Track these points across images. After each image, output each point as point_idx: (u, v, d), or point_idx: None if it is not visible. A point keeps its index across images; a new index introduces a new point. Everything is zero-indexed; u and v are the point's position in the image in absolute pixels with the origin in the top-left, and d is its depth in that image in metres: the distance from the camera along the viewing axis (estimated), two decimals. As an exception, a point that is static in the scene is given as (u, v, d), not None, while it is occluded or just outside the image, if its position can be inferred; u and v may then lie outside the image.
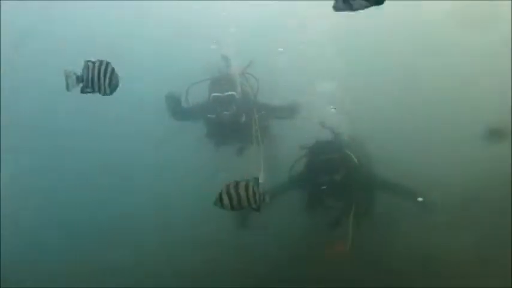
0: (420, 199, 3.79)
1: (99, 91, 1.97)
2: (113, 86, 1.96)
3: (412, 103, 6.05)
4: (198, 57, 5.07)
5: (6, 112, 6.15)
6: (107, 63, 1.95)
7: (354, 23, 6.88)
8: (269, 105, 4.36)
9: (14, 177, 5.52)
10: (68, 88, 1.98)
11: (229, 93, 4.10)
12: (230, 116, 4.14)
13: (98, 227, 4.93)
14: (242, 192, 2.12)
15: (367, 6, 1.15)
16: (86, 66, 1.95)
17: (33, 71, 6.80)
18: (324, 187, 3.68)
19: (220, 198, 2.12)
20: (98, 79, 1.94)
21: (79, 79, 1.96)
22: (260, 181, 3.96)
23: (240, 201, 2.12)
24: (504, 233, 3.73)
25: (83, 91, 1.97)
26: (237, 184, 2.13)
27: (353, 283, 3.54)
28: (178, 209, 5.01)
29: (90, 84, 1.95)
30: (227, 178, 2.16)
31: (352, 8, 1.16)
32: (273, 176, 4.11)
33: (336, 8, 1.19)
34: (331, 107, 4.22)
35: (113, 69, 1.96)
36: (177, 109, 4.34)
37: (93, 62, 1.95)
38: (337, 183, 3.68)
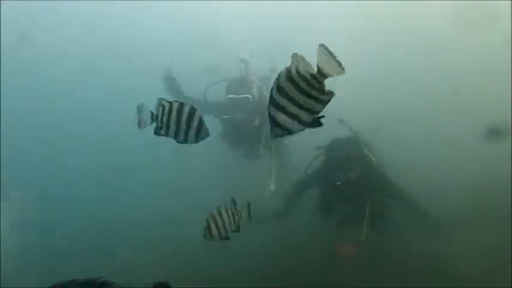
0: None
1: (176, 137, 1.64)
2: (202, 136, 1.64)
3: (412, 103, 6.05)
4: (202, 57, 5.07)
5: (6, 112, 6.15)
6: (192, 110, 1.61)
7: (352, 25, 6.91)
8: None
9: (13, 177, 5.53)
10: (139, 125, 1.67)
11: (245, 95, 4.15)
12: (244, 118, 4.18)
13: (100, 227, 4.92)
14: (226, 219, 2.10)
15: (303, 129, 1.23)
16: (161, 106, 1.63)
17: (32, 71, 6.80)
18: (339, 183, 3.67)
19: (209, 229, 2.09)
20: (177, 124, 1.62)
21: (153, 117, 1.65)
22: (271, 187, 3.95)
23: (225, 230, 2.11)
24: (504, 233, 3.73)
25: (156, 132, 1.66)
26: (219, 212, 2.10)
27: (359, 283, 3.53)
28: (187, 209, 4.97)
29: (165, 127, 1.63)
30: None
31: (291, 132, 1.23)
32: (284, 180, 4.11)
33: (276, 135, 1.24)
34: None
35: (200, 118, 1.62)
36: (175, 90, 4.37)
37: (170, 103, 1.61)
38: (352, 181, 3.67)
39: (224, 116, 4.32)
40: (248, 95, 4.19)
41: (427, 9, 6.80)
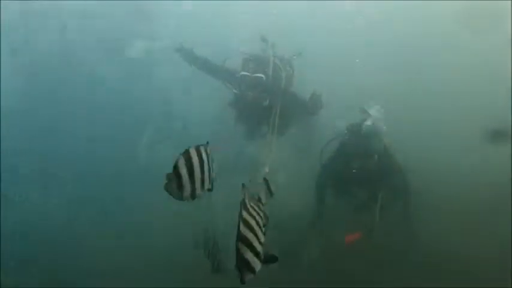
0: None
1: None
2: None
3: (414, 103, 6.05)
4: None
5: (6, 112, 6.15)
6: None
7: (353, 26, 6.92)
8: (297, 96, 4.26)
9: (14, 178, 5.53)
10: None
11: (258, 75, 4.08)
12: (253, 97, 4.12)
13: (102, 227, 4.90)
14: None
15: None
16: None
17: (33, 71, 6.80)
18: (355, 171, 3.67)
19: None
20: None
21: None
22: (266, 169, 3.89)
23: None
24: (504, 233, 3.74)
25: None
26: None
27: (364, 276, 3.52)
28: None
29: None
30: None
31: (255, 272, 1.28)
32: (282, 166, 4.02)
33: (246, 277, 1.29)
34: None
35: None
36: (191, 56, 4.35)
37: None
38: (370, 167, 3.68)
39: (234, 91, 4.25)
40: (262, 75, 4.08)
41: (426, 11, 6.81)
